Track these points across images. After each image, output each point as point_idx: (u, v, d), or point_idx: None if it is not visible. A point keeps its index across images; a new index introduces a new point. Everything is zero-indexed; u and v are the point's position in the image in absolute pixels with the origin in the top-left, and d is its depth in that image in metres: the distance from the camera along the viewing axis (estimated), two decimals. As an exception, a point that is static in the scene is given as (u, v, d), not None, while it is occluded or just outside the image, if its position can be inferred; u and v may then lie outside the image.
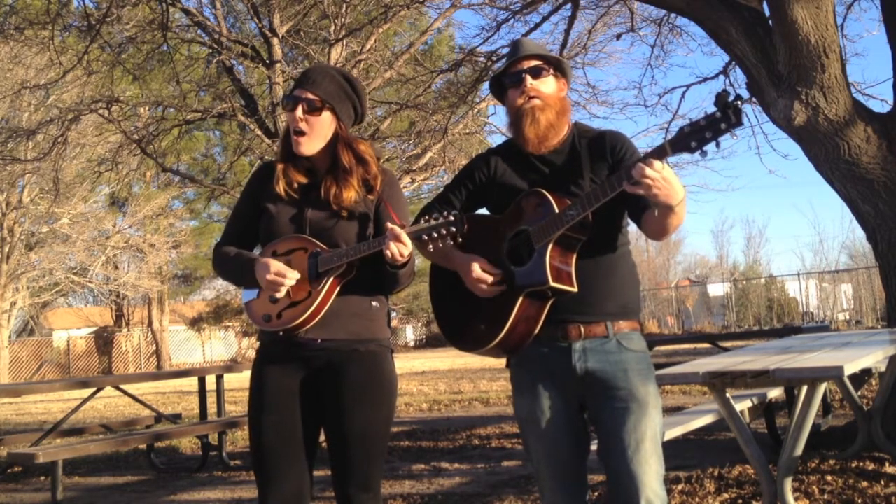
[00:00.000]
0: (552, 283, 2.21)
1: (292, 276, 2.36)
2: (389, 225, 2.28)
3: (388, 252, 2.26)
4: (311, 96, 2.45)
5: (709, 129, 2.01)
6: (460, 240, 2.26)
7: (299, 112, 2.44)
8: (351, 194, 2.44)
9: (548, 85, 2.40)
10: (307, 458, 2.44)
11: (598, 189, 2.18)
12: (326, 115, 2.47)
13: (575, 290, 2.24)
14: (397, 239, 2.26)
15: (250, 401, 2.48)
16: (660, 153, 2.08)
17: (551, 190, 2.29)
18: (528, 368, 2.35)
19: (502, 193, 2.41)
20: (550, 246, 2.23)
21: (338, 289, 2.39)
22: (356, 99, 2.55)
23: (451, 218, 2.22)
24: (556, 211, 2.23)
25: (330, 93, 2.47)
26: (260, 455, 2.42)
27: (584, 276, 2.27)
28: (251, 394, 2.48)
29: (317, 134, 2.47)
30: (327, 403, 2.42)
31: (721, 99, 1.99)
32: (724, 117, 1.99)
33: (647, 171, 2.05)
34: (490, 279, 2.30)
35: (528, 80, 2.37)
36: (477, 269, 2.30)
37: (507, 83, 2.43)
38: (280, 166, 2.51)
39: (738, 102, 1.98)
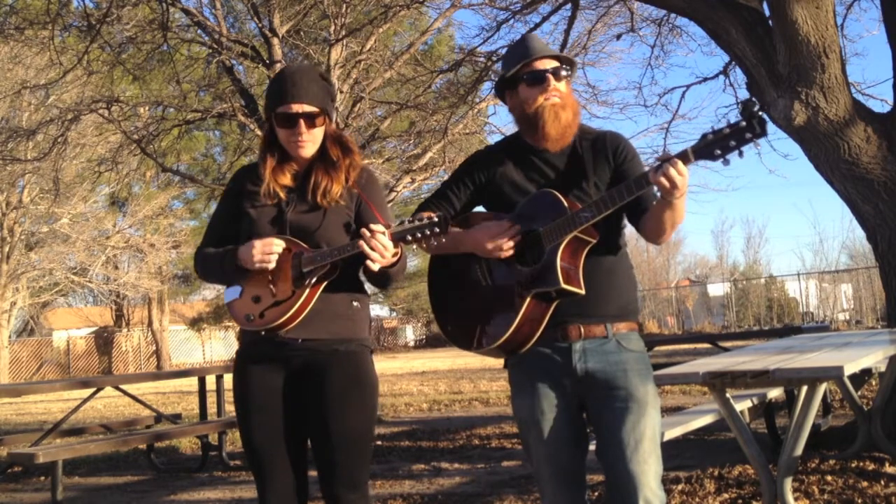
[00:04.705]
0: (563, 285, 2.20)
1: (279, 244, 2.38)
2: (371, 226, 2.27)
3: (366, 251, 2.24)
4: (308, 109, 2.44)
5: (733, 138, 2.00)
6: (444, 240, 2.25)
7: (302, 128, 2.44)
8: (339, 188, 2.46)
9: (565, 85, 2.40)
10: (299, 453, 2.46)
11: (615, 193, 2.17)
12: (321, 120, 2.49)
13: (582, 292, 2.23)
14: (372, 237, 2.24)
15: (236, 402, 2.50)
16: (682, 159, 2.06)
17: (557, 191, 2.28)
18: (528, 368, 2.35)
19: (503, 192, 2.40)
20: (561, 248, 2.22)
21: (321, 289, 2.39)
22: (335, 96, 2.60)
23: (435, 218, 2.22)
24: (569, 213, 2.22)
25: (321, 98, 2.48)
26: (253, 454, 2.45)
27: (585, 277, 2.26)
28: (236, 395, 2.50)
29: (316, 139, 2.50)
30: (310, 406, 2.43)
31: (747, 108, 1.98)
32: (749, 127, 1.98)
33: (672, 171, 2.04)
34: (509, 243, 2.29)
35: (552, 80, 2.36)
36: (490, 237, 2.29)
37: (525, 80, 2.38)
38: (270, 166, 2.49)
39: (763, 113, 1.97)
